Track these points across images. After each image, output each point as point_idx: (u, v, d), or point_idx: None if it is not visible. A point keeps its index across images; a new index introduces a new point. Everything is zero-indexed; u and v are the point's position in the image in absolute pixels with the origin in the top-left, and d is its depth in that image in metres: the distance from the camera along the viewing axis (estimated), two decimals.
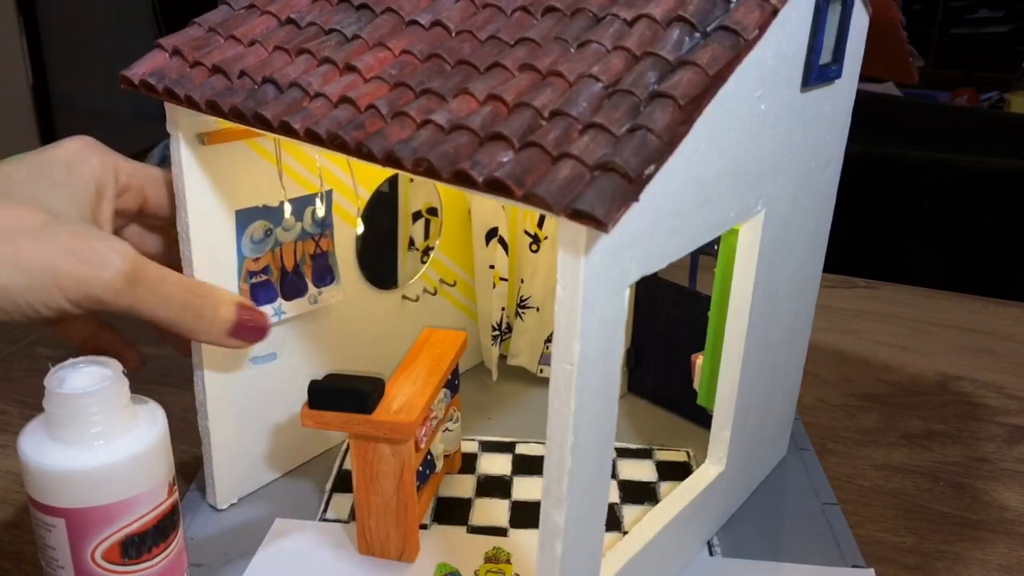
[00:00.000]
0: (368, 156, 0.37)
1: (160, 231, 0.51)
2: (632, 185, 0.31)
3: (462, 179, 0.33)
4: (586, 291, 0.32)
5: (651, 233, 0.35)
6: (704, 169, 0.37)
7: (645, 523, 0.46)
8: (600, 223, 0.30)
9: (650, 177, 0.32)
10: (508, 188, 0.32)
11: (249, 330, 0.47)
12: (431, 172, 0.34)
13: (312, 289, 0.55)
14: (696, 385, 0.54)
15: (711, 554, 0.52)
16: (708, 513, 0.51)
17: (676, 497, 0.48)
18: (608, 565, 0.42)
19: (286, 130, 0.40)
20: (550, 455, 0.35)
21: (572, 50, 0.37)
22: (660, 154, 0.32)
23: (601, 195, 0.30)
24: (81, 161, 0.44)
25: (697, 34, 0.35)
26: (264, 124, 0.40)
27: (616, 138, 0.32)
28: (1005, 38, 2.85)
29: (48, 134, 3.14)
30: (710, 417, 0.51)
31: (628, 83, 0.34)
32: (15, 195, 0.41)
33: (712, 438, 0.51)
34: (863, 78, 0.50)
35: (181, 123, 0.45)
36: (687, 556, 0.51)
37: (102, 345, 0.49)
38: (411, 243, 0.65)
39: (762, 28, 0.36)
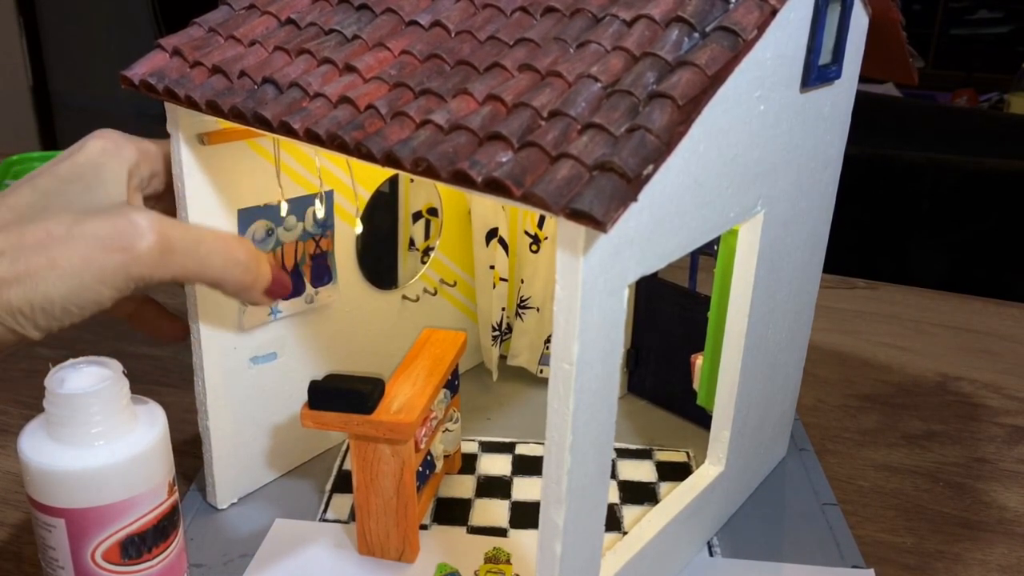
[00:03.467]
0: (367, 156, 0.37)
1: None
2: (631, 185, 0.31)
3: (461, 179, 0.33)
4: (585, 291, 0.32)
5: (650, 233, 0.35)
6: (703, 169, 0.37)
7: (645, 523, 0.46)
8: (599, 223, 0.30)
9: (648, 177, 0.32)
10: (507, 188, 0.32)
11: (280, 285, 0.46)
12: (430, 172, 0.34)
13: (309, 289, 0.55)
14: (696, 385, 0.54)
15: (711, 554, 0.52)
16: (708, 513, 0.51)
17: (676, 497, 0.48)
18: (608, 565, 0.42)
19: (286, 130, 0.40)
20: (549, 455, 0.35)
21: (571, 50, 0.37)
22: (659, 154, 0.32)
23: (600, 195, 0.30)
24: (108, 158, 0.44)
25: (696, 34, 0.35)
26: (264, 124, 0.40)
27: (615, 138, 0.32)
28: (1005, 39, 2.85)
29: (48, 134, 3.14)
30: (710, 417, 0.51)
31: (627, 83, 0.34)
32: (50, 207, 0.42)
33: (712, 438, 0.51)
34: (863, 78, 0.51)
35: (181, 123, 0.46)
36: (687, 556, 0.51)
37: (148, 317, 0.49)
38: (411, 243, 0.65)
39: (761, 28, 0.36)
